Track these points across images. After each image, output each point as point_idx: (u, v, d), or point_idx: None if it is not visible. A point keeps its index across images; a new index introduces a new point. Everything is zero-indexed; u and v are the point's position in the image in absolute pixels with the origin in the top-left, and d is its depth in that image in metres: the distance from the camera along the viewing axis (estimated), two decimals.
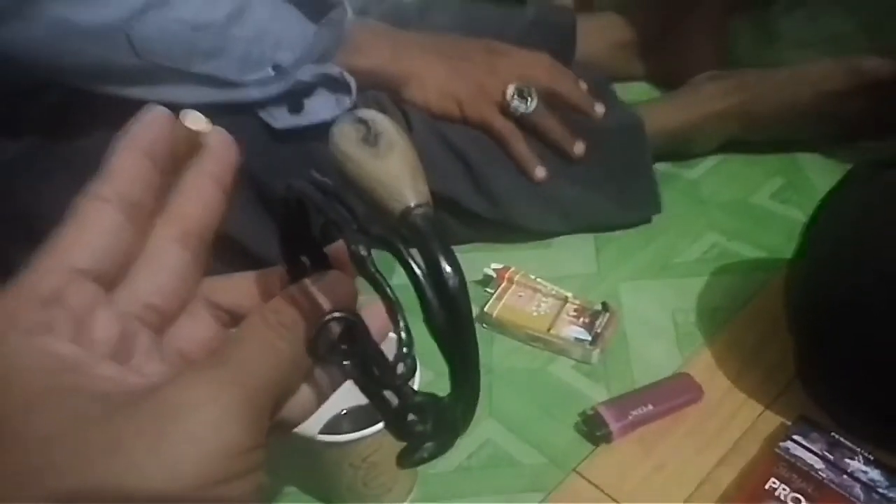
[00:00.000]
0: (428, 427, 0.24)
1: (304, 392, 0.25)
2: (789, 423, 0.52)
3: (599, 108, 0.74)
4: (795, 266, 0.55)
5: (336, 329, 0.23)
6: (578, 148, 0.72)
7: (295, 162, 0.62)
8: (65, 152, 0.60)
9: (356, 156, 0.22)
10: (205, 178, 0.26)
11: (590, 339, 0.61)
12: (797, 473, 0.48)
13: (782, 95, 0.77)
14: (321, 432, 0.48)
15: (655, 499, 0.51)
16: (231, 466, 0.20)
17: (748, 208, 0.77)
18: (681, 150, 0.81)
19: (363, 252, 0.21)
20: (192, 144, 0.26)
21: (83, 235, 0.23)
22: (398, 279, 0.21)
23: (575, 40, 0.88)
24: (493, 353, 0.63)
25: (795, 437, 0.50)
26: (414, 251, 0.21)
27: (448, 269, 0.21)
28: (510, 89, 0.70)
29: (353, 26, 0.66)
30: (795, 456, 0.49)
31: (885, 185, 0.50)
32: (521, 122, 0.71)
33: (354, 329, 0.23)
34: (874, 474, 0.48)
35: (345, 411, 0.53)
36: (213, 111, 0.27)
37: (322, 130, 0.25)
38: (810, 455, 0.49)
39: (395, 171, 0.22)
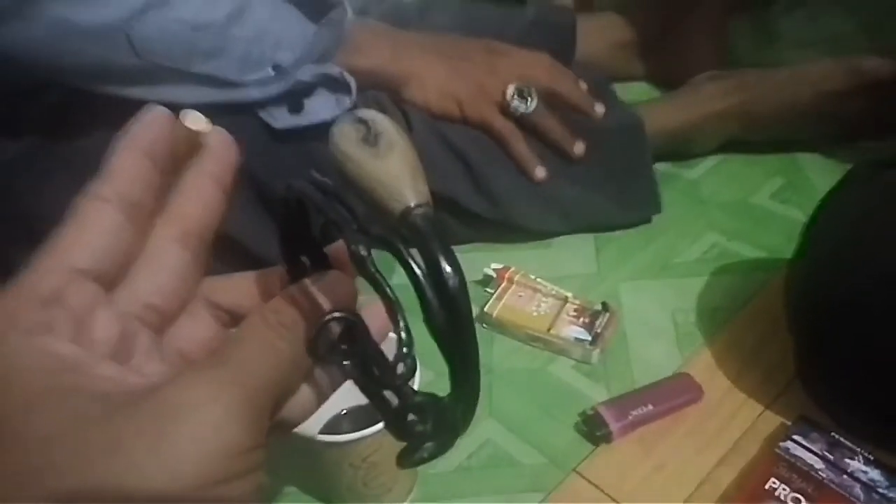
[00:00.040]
0: (428, 427, 0.24)
1: (304, 392, 0.25)
2: (789, 423, 0.52)
3: (599, 108, 0.74)
4: (795, 266, 0.55)
5: (336, 329, 0.23)
6: (578, 148, 0.72)
7: (295, 162, 0.63)
8: (65, 152, 0.60)
9: (356, 156, 0.22)
10: (205, 178, 0.26)
11: (590, 339, 0.61)
12: (797, 473, 0.48)
13: (782, 95, 0.77)
14: (321, 432, 0.47)
15: (655, 499, 0.51)
16: (231, 466, 0.20)
17: (748, 208, 0.77)
18: (681, 150, 0.81)
19: (363, 252, 0.21)
20: (192, 144, 0.26)
21: (83, 235, 0.23)
22: (398, 279, 0.21)
23: (575, 40, 0.88)
24: (493, 353, 0.63)
25: (795, 437, 0.50)
26: (414, 251, 0.21)
27: (448, 269, 0.21)
28: (510, 89, 0.70)
29: (353, 26, 0.66)
30: (795, 456, 0.49)
31: (885, 185, 0.50)
32: (521, 122, 0.71)
33: (354, 329, 0.23)
34: (874, 474, 0.48)
35: (345, 411, 0.53)
36: (213, 111, 0.27)
37: (322, 130, 0.25)
38: (810, 455, 0.49)
39: (395, 171, 0.22)
